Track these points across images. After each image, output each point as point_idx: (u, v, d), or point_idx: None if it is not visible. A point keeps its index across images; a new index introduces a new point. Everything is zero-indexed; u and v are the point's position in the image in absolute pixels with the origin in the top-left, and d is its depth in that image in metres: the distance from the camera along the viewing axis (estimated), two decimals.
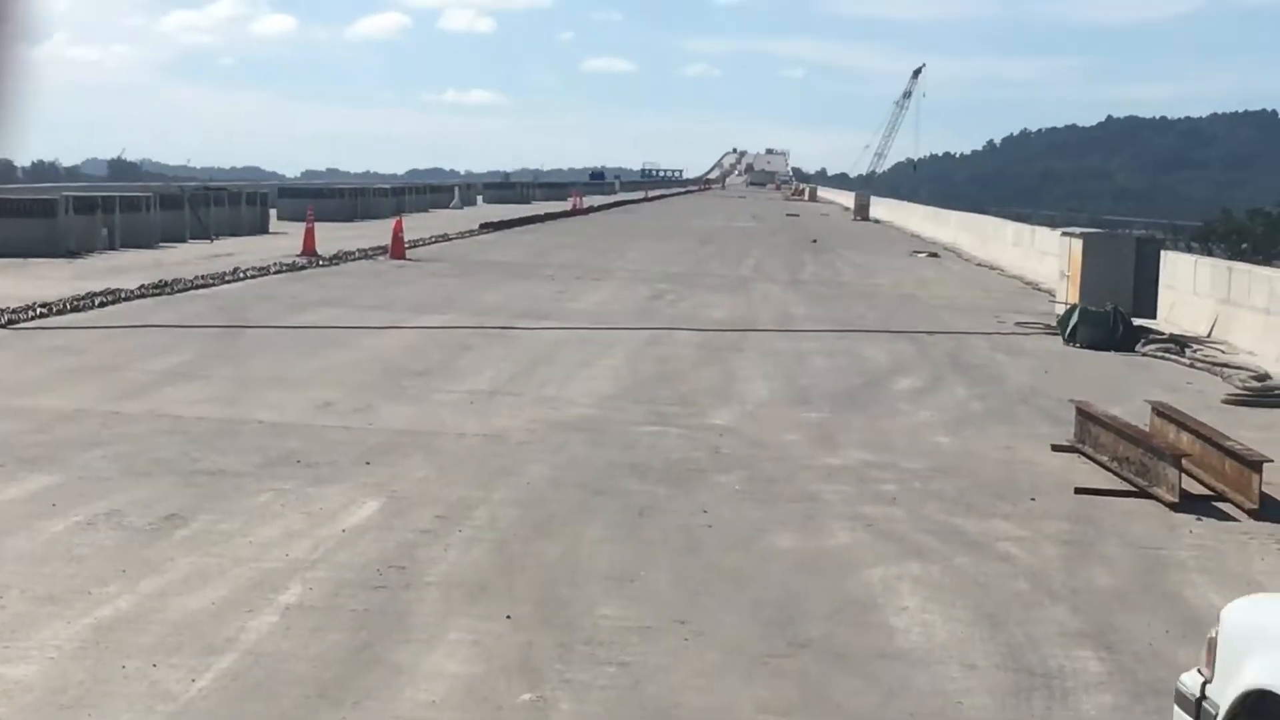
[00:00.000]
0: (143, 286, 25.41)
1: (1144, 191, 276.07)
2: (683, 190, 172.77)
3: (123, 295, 24.17)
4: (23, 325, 20.64)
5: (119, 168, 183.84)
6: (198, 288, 26.66)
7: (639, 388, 17.71)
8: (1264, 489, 12.54)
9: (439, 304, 26.15)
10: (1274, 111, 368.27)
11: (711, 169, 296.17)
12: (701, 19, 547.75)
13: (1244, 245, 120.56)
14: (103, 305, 22.95)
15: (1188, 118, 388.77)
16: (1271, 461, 12.82)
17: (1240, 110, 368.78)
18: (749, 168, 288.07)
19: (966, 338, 25.37)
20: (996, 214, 61.67)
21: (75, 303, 22.65)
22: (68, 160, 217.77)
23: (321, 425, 14.08)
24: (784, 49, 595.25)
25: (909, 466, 13.60)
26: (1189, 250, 49.93)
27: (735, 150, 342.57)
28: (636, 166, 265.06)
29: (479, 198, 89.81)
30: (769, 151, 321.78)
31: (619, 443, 14.03)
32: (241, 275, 29.46)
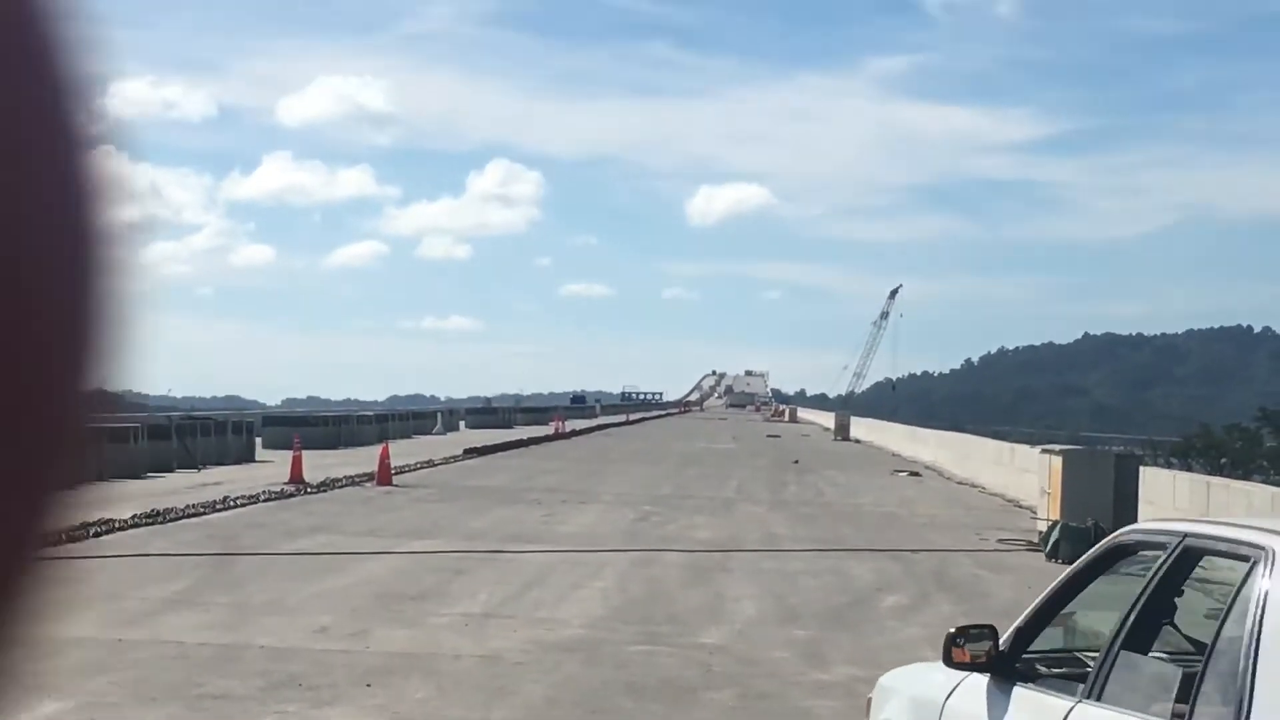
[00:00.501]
0: (135, 516, 25.71)
1: (1121, 408, 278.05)
2: (663, 413, 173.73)
3: (116, 525, 24.48)
4: None
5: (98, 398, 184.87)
6: (189, 516, 26.97)
7: (630, 608, 17.98)
8: None
9: (428, 529, 26.44)
10: (1249, 327, 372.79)
11: (691, 391, 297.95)
12: (678, 243, 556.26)
13: (1223, 460, 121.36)
14: (97, 535, 23.23)
15: (1163, 334, 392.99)
16: None
17: (1215, 326, 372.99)
18: (728, 389, 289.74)
19: (950, 555, 25.68)
20: (976, 432, 62.18)
21: (70, 534, 22.83)
22: None
23: (320, 649, 14.33)
24: (761, 271, 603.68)
25: None
26: (1168, 466, 50.44)
27: (714, 372, 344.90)
28: (617, 389, 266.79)
29: (461, 423, 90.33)
30: (748, 373, 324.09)
31: (612, 662, 14.29)
32: (232, 504, 29.77)
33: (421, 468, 44.98)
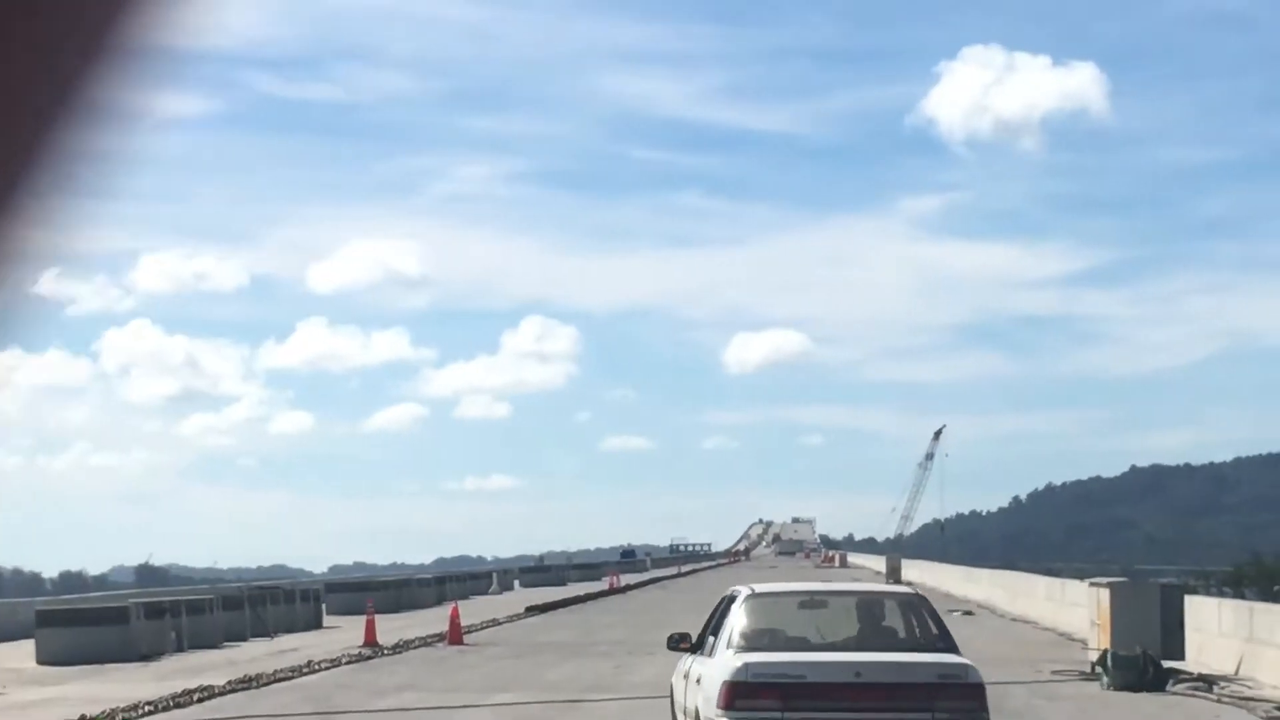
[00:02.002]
0: (230, 682, 27.16)
1: (1172, 539, 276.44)
2: (712, 564, 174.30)
3: (216, 691, 25.93)
4: None
5: (146, 573, 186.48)
6: (279, 680, 28.36)
7: None
8: None
9: (507, 683, 27.75)
10: None
11: (739, 540, 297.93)
12: (717, 392, 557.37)
13: (1276, 588, 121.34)
14: (200, 701, 24.70)
15: (1211, 463, 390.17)
16: None
17: (1264, 453, 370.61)
18: (776, 537, 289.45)
19: (1007, 687, 26.80)
20: (1029, 570, 63.05)
21: (176, 700, 24.44)
22: (94, 569, 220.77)
23: None
24: (802, 417, 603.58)
25: None
26: (1220, 594, 51.28)
27: (761, 520, 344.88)
28: (664, 541, 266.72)
29: (515, 582, 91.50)
30: (795, 520, 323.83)
31: None
32: (316, 667, 31.12)
33: (487, 626, 46.22)
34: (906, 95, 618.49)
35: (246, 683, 27.55)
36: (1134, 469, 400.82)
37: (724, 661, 14.64)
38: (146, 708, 23.60)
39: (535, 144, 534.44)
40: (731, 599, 16.04)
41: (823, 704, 14.19)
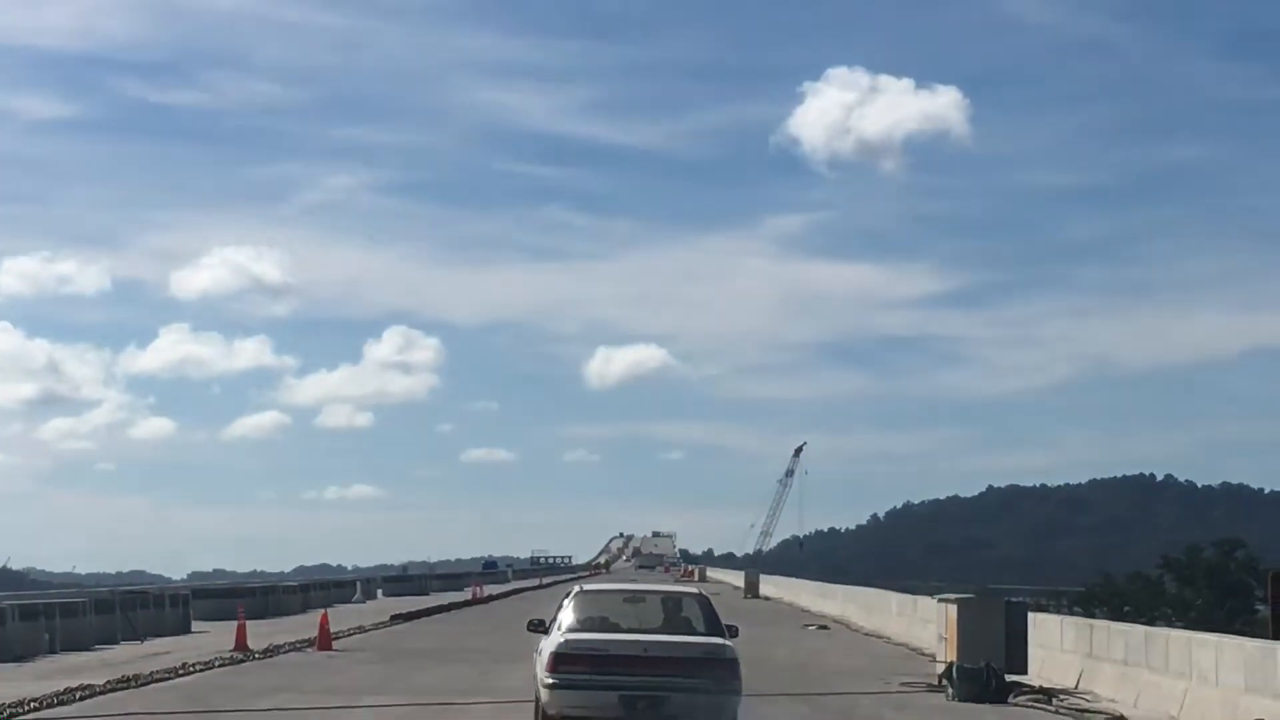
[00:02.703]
0: (109, 682, 27.89)
1: (1027, 559, 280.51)
2: (573, 576, 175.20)
3: (96, 689, 26.69)
4: (24, 717, 23.19)
5: (4, 577, 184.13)
6: (157, 681, 29.10)
7: None
8: None
9: (379, 686, 28.76)
10: (1151, 475, 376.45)
11: (600, 554, 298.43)
12: (577, 406, 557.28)
13: (1125, 608, 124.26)
14: (83, 699, 25.49)
15: (1066, 485, 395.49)
16: None
17: (1118, 475, 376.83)
18: (636, 551, 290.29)
19: (857, 697, 28.26)
20: (886, 587, 64.75)
21: (60, 698, 25.27)
22: None
23: None
24: (662, 432, 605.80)
25: None
26: (1071, 613, 53.14)
27: (622, 534, 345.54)
28: (525, 554, 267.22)
29: (379, 591, 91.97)
30: (655, 534, 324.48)
31: None
32: (191, 669, 31.85)
33: (354, 633, 47.04)
34: (773, 114, 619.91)
35: (125, 682, 28.30)
36: (991, 489, 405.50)
37: (554, 638, 20.55)
38: (32, 704, 24.31)
39: (402, 155, 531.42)
40: (568, 594, 22.02)
41: (620, 670, 19.91)
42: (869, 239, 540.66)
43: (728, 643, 20.76)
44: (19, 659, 35.12)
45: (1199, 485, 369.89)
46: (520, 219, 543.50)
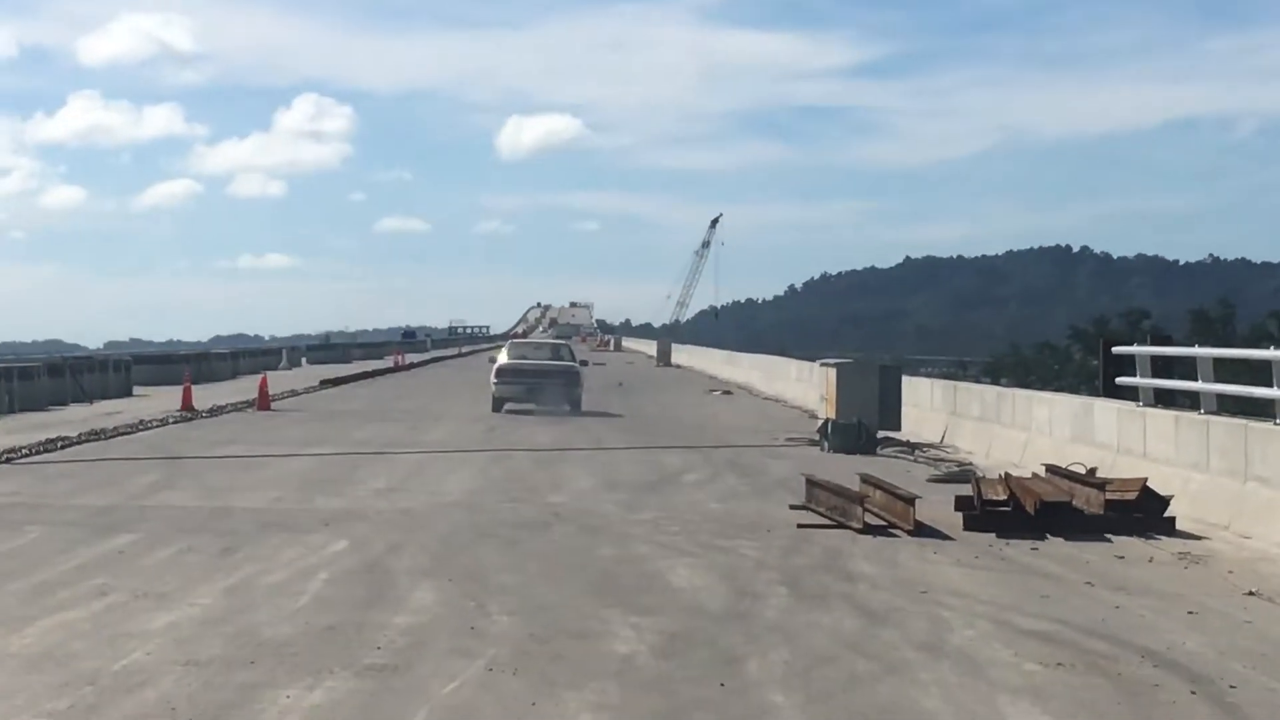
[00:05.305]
0: (80, 434, 31.33)
1: (944, 329, 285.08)
2: (491, 345, 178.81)
3: (72, 440, 30.12)
4: (19, 461, 26.61)
5: None
6: (121, 435, 32.53)
7: (493, 485, 24.01)
8: (919, 519, 19.14)
9: (319, 440, 32.26)
10: (1068, 246, 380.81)
11: (517, 324, 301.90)
12: (491, 176, 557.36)
13: (1031, 378, 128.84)
14: (63, 448, 28.84)
15: (984, 256, 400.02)
16: (921, 498, 19.58)
17: (1035, 246, 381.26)
18: (553, 321, 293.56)
19: (744, 449, 32.01)
20: (800, 357, 68.49)
21: (45, 446, 28.64)
22: None
23: (283, 509, 20.25)
24: (577, 203, 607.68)
25: (687, 519, 20.09)
26: (978, 382, 56.80)
27: (539, 305, 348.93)
28: (443, 324, 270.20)
29: (303, 359, 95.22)
30: (573, 304, 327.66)
31: (488, 512, 20.34)
32: (148, 425, 35.29)
33: (288, 396, 50.45)
34: None
35: (95, 435, 31.78)
36: (908, 260, 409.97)
37: (498, 362, 44.33)
38: (24, 450, 27.71)
39: None
40: (503, 346, 38.36)
41: (526, 376, 43.64)
42: (788, 8, 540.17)
43: (576, 365, 45.00)
44: None
45: (1114, 256, 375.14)
46: None
